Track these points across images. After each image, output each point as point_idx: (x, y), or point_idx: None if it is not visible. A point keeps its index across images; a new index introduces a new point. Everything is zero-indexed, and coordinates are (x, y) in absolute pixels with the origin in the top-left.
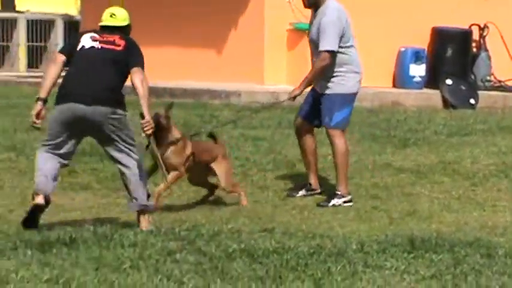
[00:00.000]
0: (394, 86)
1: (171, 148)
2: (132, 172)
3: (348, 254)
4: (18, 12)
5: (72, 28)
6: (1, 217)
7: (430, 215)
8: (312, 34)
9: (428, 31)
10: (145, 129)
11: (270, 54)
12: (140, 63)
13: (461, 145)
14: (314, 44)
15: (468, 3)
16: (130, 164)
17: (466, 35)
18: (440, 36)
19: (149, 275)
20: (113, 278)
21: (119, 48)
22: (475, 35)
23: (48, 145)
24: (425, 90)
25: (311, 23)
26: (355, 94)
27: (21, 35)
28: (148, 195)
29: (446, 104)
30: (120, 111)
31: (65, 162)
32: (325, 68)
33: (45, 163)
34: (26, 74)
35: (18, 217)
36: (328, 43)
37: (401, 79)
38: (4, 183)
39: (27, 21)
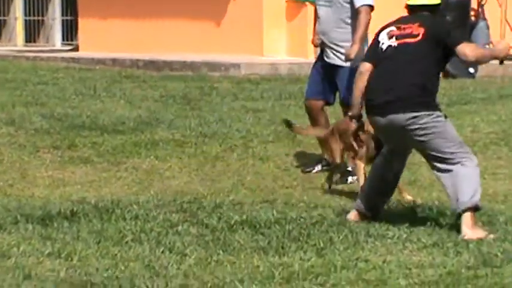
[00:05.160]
0: None
1: None
2: (448, 177)
3: (349, 223)
4: None
5: (70, 2)
6: (1, 191)
7: (431, 184)
8: None
9: None
10: None
11: (269, 26)
12: (455, 39)
13: (461, 114)
14: (336, 4)
15: None
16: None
17: (464, 3)
18: None
19: (151, 248)
20: (115, 251)
21: (416, 40)
22: (474, 4)
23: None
24: None
25: None
26: None
27: (18, 8)
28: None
29: (445, 73)
30: (424, 114)
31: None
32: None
33: None
34: (24, 48)
35: (18, 191)
36: None
37: None
38: (4, 158)
39: None
